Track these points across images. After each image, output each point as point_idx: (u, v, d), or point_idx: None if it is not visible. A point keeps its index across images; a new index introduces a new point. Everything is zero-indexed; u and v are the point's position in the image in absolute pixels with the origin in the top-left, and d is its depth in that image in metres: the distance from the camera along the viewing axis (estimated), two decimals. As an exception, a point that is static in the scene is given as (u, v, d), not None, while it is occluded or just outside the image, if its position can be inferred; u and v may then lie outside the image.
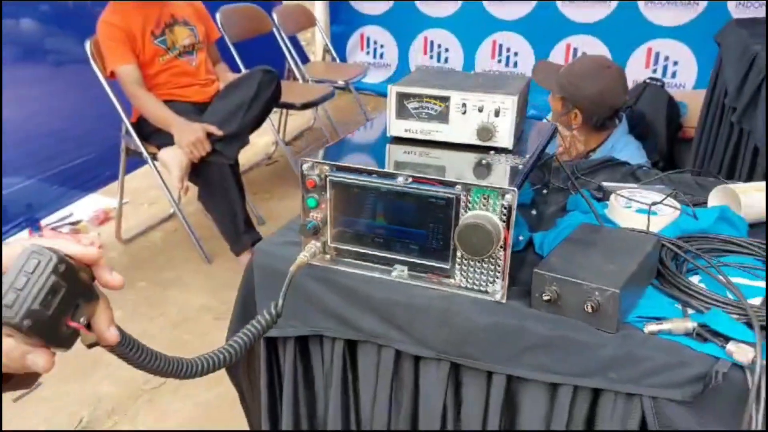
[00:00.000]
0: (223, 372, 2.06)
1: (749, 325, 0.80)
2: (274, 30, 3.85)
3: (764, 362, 0.75)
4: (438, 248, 0.90)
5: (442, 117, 0.98)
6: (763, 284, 0.91)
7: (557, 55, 4.59)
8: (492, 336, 0.88)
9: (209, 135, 2.54)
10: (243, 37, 3.55)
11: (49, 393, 2.04)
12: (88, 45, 2.62)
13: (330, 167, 0.91)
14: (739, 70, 1.97)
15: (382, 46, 5.19)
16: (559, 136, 2.10)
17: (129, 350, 0.59)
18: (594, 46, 4.48)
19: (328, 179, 0.92)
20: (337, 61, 4.76)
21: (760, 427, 0.73)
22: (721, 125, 2.16)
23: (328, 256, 0.97)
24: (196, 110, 2.71)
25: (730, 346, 0.77)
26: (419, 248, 0.91)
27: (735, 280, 0.91)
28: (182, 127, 2.52)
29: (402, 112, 1.00)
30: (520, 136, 1.06)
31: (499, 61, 4.83)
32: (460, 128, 0.97)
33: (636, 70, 4.37)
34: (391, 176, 0.89)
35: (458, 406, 0.94)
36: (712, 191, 1.16)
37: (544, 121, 1.22)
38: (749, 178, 1.94)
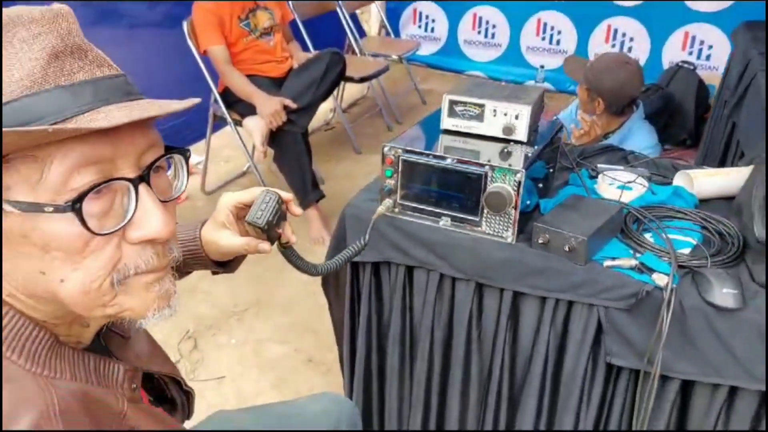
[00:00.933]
0: (295, 303, 2.61)
1: (669, 263, 1.23)
2: (338, 8, 4.28)
3: (674, 286, 1.19)
4: (471, 206, 1.35)
5: (479, 117, 1.42)
6: (689, 239, 1.34)
7: (599, 36, 4.90)
8: (504, 265, 1.33)
9: (285, 107, 3.01)
10: (310, 16, 3.99)
11: (160, 311, 2.59)
12: (185, 25, 3.10)
13: (402, 150, 1.37)
14: (738, 69, 2.32)
15: (433, 21, 5.53)
16: (582, 120, 2.50)
17: (292, 253, 1.06)
18: (633, 28, 4.77)
19: (400, 158, 1.37)
20: (392, 35, 5.15)
21: (667, 323, 1.18)
22: (722, 116, 2.52)
23: (397, 210, 1.43)
24: (273, 84, 3.18)
25: (654, 276, 1.22)
26: (459, 206, 1.36)
27: (673, 237, 1.35)
28: (263, 100, 2.99)
29: (452, 113, 1.44)
30: (535, 130, 1.49)
31: (543, 38, 5.15)
32: (491, 126, 1.41)
33: (672, 53, 4.66)
34: (442, 158, 1.34)
35: (480, 313, 1.41)
36: (676, 174, 1.58)
37: (556, 118, 1.61)
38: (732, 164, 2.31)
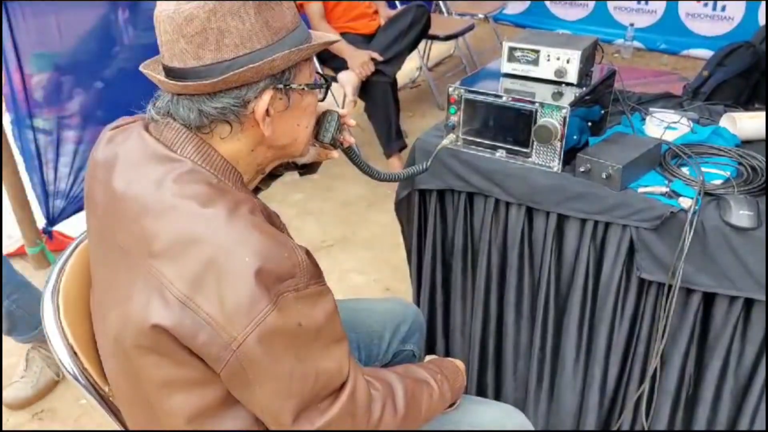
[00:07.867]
0: (376, 241, 2.91)
1: (697, 191, 1.40)
2: (426, -32, 4.44)
3: (697, 208, 1.36)
4: (523, 139, 1.55)
5: (535, 62, 1.61)
6: (723, 173, 1.49)
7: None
8: (551, 191, 1.53)
9: (373, 59, 3.27)
10: (400, -25, 4.19)
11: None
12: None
13: (465, 90, 1.59)
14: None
15: (521, -20, 5.58)
16: None
17: (355, 155, 1.30)
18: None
19: (462, 97, 1.59)
20: (479, -6, 5.25)
21: (689, 241, 1.35)
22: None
23: (459, 143, 1.65)
24: (363, 40, 3.45)
25: (680, 199, 1.39)
26: (512, 139, 1.57)
27: (708, 170, 1.50)
28: (353, 53, 3.27)
29: (511, 58, 1.64)
30: (588, 74, 1.67)
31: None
32: (545, 69, 1.60)
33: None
34: (498, 96, 1.55)
35: (530, 233, 1.62)
36: (722, 117, 1.70)
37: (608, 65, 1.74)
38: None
